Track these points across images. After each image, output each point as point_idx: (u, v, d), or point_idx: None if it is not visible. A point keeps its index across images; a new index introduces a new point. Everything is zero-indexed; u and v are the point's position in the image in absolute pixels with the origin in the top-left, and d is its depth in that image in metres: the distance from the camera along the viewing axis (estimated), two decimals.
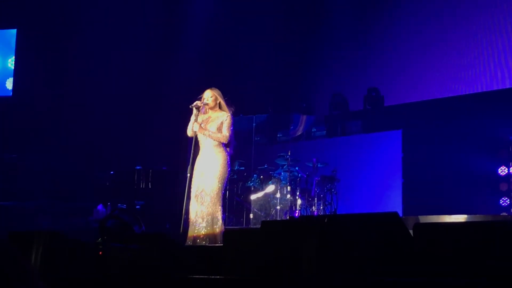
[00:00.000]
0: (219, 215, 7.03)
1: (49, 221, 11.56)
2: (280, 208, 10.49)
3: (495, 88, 11.38)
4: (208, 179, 7.07)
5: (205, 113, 7.37)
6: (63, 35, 14.14)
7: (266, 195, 10.71)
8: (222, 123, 7.24)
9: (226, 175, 7.21)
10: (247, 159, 12.04)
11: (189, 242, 6.94)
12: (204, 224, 6.97)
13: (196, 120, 7.23)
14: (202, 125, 7.24)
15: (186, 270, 4.73)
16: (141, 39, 14.05)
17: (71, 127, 13.75)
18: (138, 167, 11.79)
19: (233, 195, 11.21)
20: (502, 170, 10.70)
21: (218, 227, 6.97)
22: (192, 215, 7.05)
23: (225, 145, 7.28)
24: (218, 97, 7.37)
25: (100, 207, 11.75)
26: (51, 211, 12.16)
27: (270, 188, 10.66)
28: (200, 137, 7.28)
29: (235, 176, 11.33)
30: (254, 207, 10.84)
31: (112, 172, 11.46)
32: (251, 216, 10.87)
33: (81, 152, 13.47)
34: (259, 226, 4.55)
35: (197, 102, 7.27)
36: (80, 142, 13.49)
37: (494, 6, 11.64)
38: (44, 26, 14.23)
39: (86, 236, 6.78)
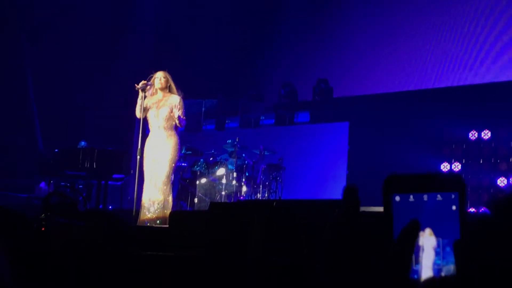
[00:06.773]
0: (170, 198, 7.04)
1: None
2: (225, 194, 10.49)
3: (442, 85, 11.63)
4: (161, 163, 7.05)
5: (152, 94, 7.34)
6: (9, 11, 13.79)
7: (211, 180, 10.70)
8: (175, 106, 7.22)
9: (177, 158, 7.21)
10: (194, 144, 12.00)
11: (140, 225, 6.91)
12: (155, 207, 6.95)
13: (143, 102, 7.21)
14: (154, 107, 7.22)
15: (132, 247, 4.71)
16: (92, 16, 13.82)
17: (15, 101, 13.45)
18: (82, 143, 11.61)
19: (179, 179, 11.15)
20: (445, 167, 10.94)
21: (169, 209, 6.96)
22: (145, 199, 7.01)
23: (175, 128, 7.28)
24: (170, 79, 7.41)
25: (42, 184, 11.54)
26: None
27: (216, 173, 10.65)
28: (151, 119, 7.25)
29: (182, 161, 11.28)
30: (199, 192, 10.82)
31: (56, 150, 11.24)
32: (196, 200, 10.85)
33: (25, 127, 13.19)
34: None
35: (143, 82, 7.25)
36: (24, 117, 13.21)
37: (445, 3, 11.87)
38: None
39: (28, 213, 6.65)
